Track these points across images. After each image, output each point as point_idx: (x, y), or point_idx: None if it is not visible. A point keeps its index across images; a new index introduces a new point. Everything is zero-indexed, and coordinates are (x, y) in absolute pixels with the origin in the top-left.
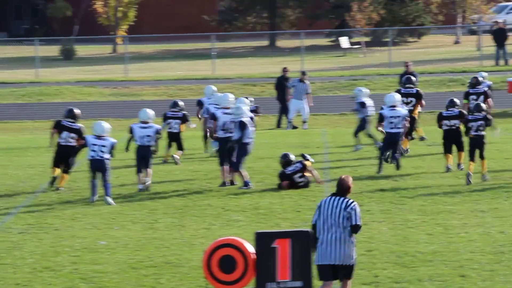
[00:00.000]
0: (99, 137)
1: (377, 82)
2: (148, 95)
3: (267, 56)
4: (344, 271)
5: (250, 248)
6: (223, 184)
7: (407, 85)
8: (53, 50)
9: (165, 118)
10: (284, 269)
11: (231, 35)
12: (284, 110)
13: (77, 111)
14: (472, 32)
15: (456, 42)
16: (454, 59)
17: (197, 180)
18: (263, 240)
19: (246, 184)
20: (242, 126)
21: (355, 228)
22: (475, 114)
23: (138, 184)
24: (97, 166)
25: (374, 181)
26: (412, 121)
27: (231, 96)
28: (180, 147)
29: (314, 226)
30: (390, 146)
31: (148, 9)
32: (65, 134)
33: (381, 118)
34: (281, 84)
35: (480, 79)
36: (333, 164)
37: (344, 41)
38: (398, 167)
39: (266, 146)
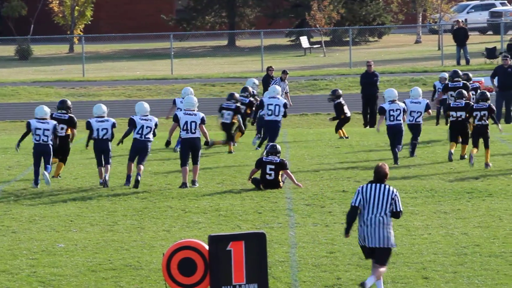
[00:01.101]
0: (42, 120)
1: (337, 82)
2: (106, 95)
3: (227, 56)
4: (381, 254)
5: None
6: (184, 185)
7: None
8: (9, 50)
9: (220, 109)
10: (239, 272)
11: (190, 35)
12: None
13: (69, 102)
14: (433, 32)
15: (417, 42)
16: (415, 58)
17: (156, 181)
18: (217, 243)
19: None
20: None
21: (398, 214)
22: (480, 103)
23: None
24: (41, 151)
25: (335, 182)
26: None
27: (195, 100)
28: (230, 138)
29: (354, 208)
30: (395, 138)
31: (105, 8)
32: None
33: (381, 111)
34: (267, 83)
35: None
36: (294, 165)
37: (304, 41)
38: (396, 160)
39: (224, 148)
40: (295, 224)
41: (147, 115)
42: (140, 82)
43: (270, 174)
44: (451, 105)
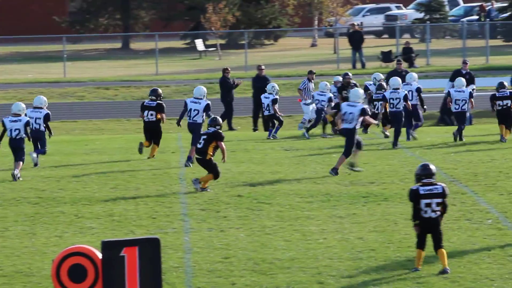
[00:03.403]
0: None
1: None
2: None
3: (121, 58)
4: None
5: (101, 256)
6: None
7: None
8: None
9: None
10: (132, 278)
11: (83, 37)
12: (228, 111)
13: (159, 90)
14: (329, 35)
15: (313, 45)
16: (311, 62)
17: (49, 186)
18: (110, 249)
19: None
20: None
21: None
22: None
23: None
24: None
25: (231, 187)
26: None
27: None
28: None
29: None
30: (395, 124)
31: None
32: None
33: (384, 99)
34: (224, 85)
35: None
36: (189, 169)
37: (199, 44)
38: (395, 143)
39: (119, 151)
40: (190, 229)
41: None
42: (33, 85)
43: (200, 143)
44: (496, 95)
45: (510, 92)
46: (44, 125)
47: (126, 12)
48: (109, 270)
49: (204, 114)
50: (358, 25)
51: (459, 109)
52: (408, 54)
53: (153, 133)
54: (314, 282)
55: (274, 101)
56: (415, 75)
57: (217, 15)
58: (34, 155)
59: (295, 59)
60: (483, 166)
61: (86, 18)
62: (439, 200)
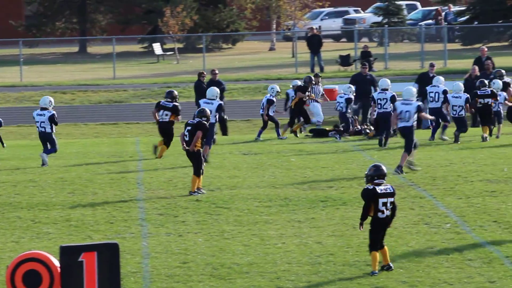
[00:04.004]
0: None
1: (191, 89)
2: None
3: (78, 62)
4: None
5: (56, 262)
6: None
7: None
8: None
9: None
10: (91, 283)
11: (40, 41)
12: None
13: (175, 92)
14: (287, 39)
15: (271, 49)
16: (269, 66)
17: (5, 191)
18: (69, 254)
19: None
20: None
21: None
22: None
23: None
24: (42, 138)
25: (189, 191)
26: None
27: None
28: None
29: None
30: (382, 125)
31: None
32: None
33: (373, 100)
34: (199, 89)
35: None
36: (146, 174)
37: (157, 48)
38: (385, 144)
39: (76, 156)
40: (148, 234)
41: (212, 99)
42: None
43: (186, 135)
44: (478, 93)
45: (491, 90)
46: (51, 126)
47: (83, 15)
48: (67, 276)
49: (217, 114)
50: (316, 29)
51: (457, 115)
52: (366, 58)
53: (164, 134)
54: (272, 286)
55: (269, 102)
56: (442, 78)
57: (175, 19)
58: (45, 157)
59: (253, 63)
60: (442, 170)
61: (43, 22)
62: (392, 199)
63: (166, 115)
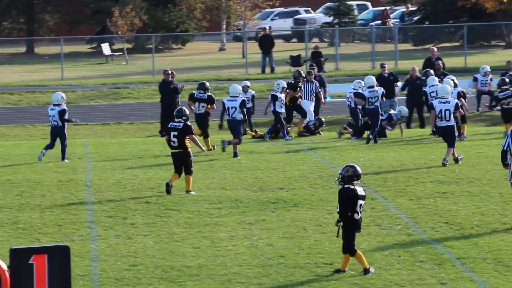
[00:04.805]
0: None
1: (140, 90)
2: None
3: (25, 63)
4: None
5: (4, 265)
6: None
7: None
8: None
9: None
10: (41, 286)
11: None
12: (166, 116)
13: (207, 84)
14: (237, 39)
15: (221, 49)
16: (220, 66)
17: None
18: (19, 256)
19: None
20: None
21: None
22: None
23: None
24: (54, 132)
25: (138, 193)
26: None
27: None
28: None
29: (504, 151)
30: (372, 121)
31: None
32: None
33: (363, 98)
34: (165, 88)
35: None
36: (95, 176)
37: (106, 48)
38: (375, 140)
39: (24, 158)
40: (96, 236)
41: (235, 96)
42: None
43: (174, 141)
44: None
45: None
46: (62, 121)
47: (30, 15)
48: (17, 278)
49: (241, 110)
50: (268, 29)
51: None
52: (317, 59)
53: (201, 125)
54: None
55: (274, 97)
56: (453, 80)
57: (124, 19)
58: (42, 155)
59: (203, 63)
60: (393, 171)
61: None
62: (364, 202)
63: (203, 106)
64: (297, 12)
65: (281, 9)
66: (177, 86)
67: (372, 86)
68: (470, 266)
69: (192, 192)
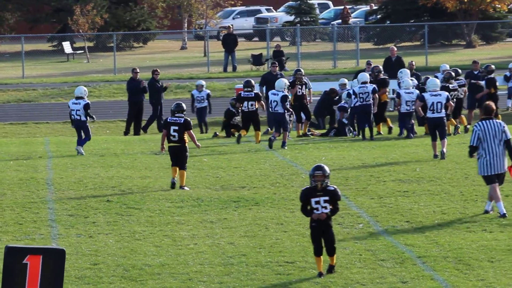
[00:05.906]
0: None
1: (101, 88)
2: None
3: None
4: (501, 177)
5: None
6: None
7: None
8: None
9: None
10: (33, 287)
11: None
12: (156, 114)
13: (252, 82)
14: (199, 38)
15: (183, 48)
16: (181, 65)
17: None
18: (14, 255)
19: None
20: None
21: (509, 142)
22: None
23: None
24: (77, 125)
25: (100, 191)
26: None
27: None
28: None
29: (473, 147)
30: (363, 118)
31: None
32: None
33: (354, 94)
34: (153, 87)
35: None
36: (56, 174)
37: (67, 46)
38: (371, 136)
39: None
40: (57, 235)
41: (279, 91)
42: None
43: (173, 136)
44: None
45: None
46: (85, 114)
47: None
48: (10, 276)
49: (282, 104)
50: (230, 27)
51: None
52: (278, 57)
53: (253, 121)
54: None
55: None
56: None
57: (85, 17)
58: (81, 149)
59: (164, 62)
60: (354, 170)
61: None
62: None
63: (252, 105)
64: (259, 11)
65: (243, 8)
66: (145, 85)
67: (365, 82)
68: (431, 264)
69: (185, 188)
